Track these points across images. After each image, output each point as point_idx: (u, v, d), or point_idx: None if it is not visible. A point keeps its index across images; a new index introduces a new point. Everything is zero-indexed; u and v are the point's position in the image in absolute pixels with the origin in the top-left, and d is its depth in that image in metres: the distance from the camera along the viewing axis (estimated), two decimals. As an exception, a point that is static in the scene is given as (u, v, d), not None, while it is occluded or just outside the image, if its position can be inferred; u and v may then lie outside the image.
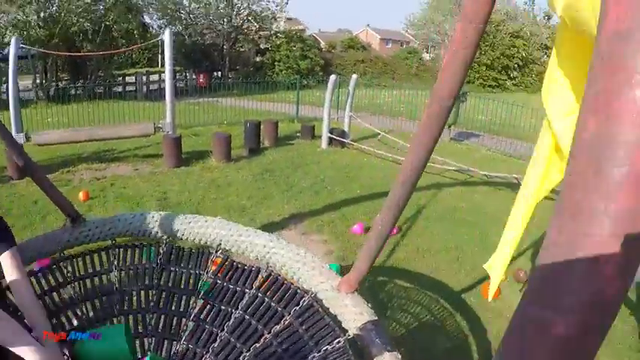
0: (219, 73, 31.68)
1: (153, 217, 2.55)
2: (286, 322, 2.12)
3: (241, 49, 32.28)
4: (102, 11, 26.50)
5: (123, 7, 26.71)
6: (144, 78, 27.02)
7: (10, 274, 2.01)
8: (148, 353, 2.08)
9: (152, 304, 2.41)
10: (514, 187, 8.05)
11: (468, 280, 5.51)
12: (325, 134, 11.60)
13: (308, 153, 11.02)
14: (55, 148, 9.83)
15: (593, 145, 0.48)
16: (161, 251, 2.50)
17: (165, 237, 2.52)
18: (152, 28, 33.16)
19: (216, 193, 8.02)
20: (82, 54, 22.13)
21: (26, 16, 24.53)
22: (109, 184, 8.58)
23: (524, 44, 36.95)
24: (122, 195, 7.93)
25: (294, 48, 31.92)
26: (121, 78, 28.83)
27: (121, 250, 2.53)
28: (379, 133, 12.08)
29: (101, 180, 8.91)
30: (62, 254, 2.45)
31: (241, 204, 7.52)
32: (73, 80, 26.91)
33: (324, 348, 1.96)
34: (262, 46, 33.06)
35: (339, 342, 1.94)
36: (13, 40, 10.38)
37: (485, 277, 5.25)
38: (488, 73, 36.15)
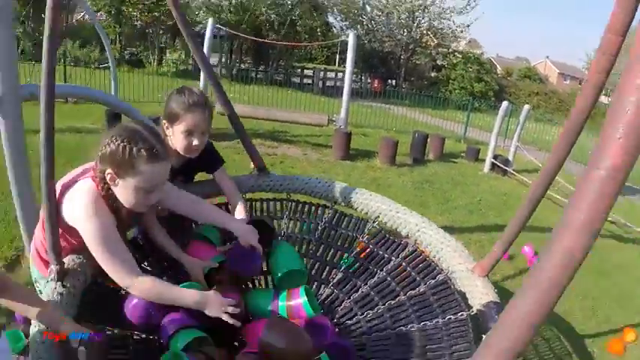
0: (394, 81, 32.17)
1: (326, 183, 2.90)
2: (421, 290, 2.39)
3: (417, 62, 32.50)
4: (289, 6, 27.78)
5: (309, 5, 27.86)
6: (321, 74, 28.12)
7: (225, 184, 2.74)
8: (303, 286, 2.43)
9: (311, 251, 2.81)
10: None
11: (596, 330, 5.33)
12: (489, 159, 11.56)
13: (469, 174, 11.02)
14: None
15: None
16: (327, 212, 2.88)
17: (332, 201, 2.87)
18: (334, 28, 34.22)
19: (376, 191, 8.17)
20: (268, 41, 23.27)
21: (219, 1, 26.32)
22: (279, 161, 9.23)
23: None
24: (289, 173, 8.30)
25: (471, 69, 31.63)
26: (299, 70, 30.24)
27: (294, 203, 2.94)
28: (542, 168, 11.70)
29: (272, 156, 9.60)
30: (244, 196, 2.87)
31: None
32: (255, 64, 28.51)
33: (448, 317, 2.22)
34: (439, 62, 33.06)
35: (462, 314, 2.18)
36: (210, 21, 11.70)
37: (614, 333, 5.16)
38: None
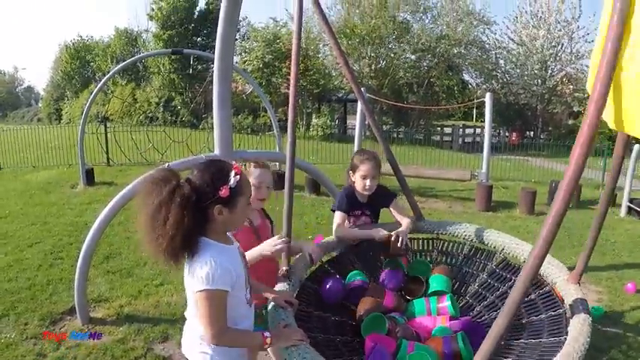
0: (532, 132, 32.22)
1: (465, 225, 4.19)
2: (531, 297, 3.39)
3: (554, 111, 32.42)
4: (425, 68, 29.09)
5: (444, 65, 29.04)
6: (460, 130, 29.07)
7: (398, 209, 4.14)
8: (448, 294, 3.55)
9: (454, 271, 4.03)
10: None
11: None
12: (625, 203, 11.62)
13: (605, 219, 10.99)
14: (384, 178, 11.71)
15: None
16: (465, 247, 4.16)
17: (469, 239, 4.13)
18: (470, 84, 34.97)
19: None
20: (407, 105, 24.62)
21: (360, 68, 28.07)
22: (427, 214, 9.95)
23: None
24: (438, 222, 9.52)
25: (610, 113, 30.70)
26: (439, 128, 31.26)
27: (440, 241, 4.27)
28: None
29: (421, 209, 10.60)
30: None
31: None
32: (395, 125, 29.88)
33: (549, 313, 3.17)
34: (575, 109, 32.84)
35: (559, 309, 3.12)
36: (363, 90, 13.02)
37: None
38: None
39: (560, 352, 2.48)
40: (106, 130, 16.78)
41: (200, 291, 2.27)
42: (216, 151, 5.30)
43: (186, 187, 2.24)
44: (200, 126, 28.49)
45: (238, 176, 2.34)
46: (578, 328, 2.67)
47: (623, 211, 11.69)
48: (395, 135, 26.88)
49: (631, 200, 11.70)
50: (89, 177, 12.79)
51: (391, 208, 4.15)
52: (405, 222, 3.98)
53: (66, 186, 12.86)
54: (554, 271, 3.40)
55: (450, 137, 29.09)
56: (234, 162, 2.41)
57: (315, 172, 6.58)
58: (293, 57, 3.42)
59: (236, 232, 2.96)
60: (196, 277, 2.29)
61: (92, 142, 15.50)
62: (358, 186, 3.97)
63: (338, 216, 3.97)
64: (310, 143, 19.73)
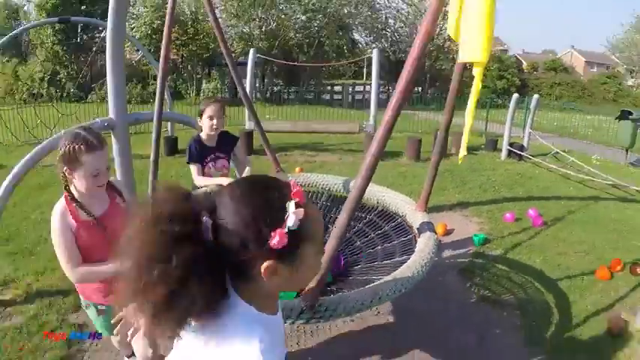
0: (420, 88, 33.03)
1: (323, 177, 4.70)
2: (385, 230, 3.83)
3: (442, 67, 33.50)
4: (316, 28, 29.27)
5: (334, 25, 29.22)
6: (350, 89, 29.54)
7: (240, 153, 4.57)
8: None
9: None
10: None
11: (588, 266, 5.95)
12: (505, 147, 12.57)
13: (487, 162, 12.06)
14: (276, 136, 11.88)
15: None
16: (324, 196, 4.61)
17: (326, 189, 4.58)
18: (360, 44, 35.47)
19: (403, 182, 9.56)
20: (298, 64, 24.77)
21: (251, 30, 27.98)
22: (319, 166, 10.74)
23: None
24: (328, 173, 9.84)
25: (492, 68, 32.65)
26: (329, 87, 31.71)
27: (310, 193, 4.65)
28: (554, 150, 12.82)
29: (312, 163, 11.17)
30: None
31: (420, 190, 8.76)
32: (286, 86, 30.10)
33: (401, 239, 3.60)
34: (461, 65, 33.73)
35: (409, 235, 3.57)
36: (251, 51, 13.50)
37: (604, 264, 5.83)
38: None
39: (409, 260, 2.86)
40: (-13, 111, 16.04)
41: None
42: (111, 115, 4.99)
43: (207, 234, 1.16)
44: (88, 98, 27.64)
45: (301, 210, 1.18)
46: (424, 243, 3.08)
47: (503, 154, 12.70)
48: (286, 95, 27.11)
49: (511, 144, 12.66)
50: (-29, 161, 12.29)
51: (235, 151, 4.52)
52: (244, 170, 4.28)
53: (-50, 174, 12.28)
54: (403, 205, 3.84)
55: (340, 95, 29.64)
56: (290, 178, 1.58)
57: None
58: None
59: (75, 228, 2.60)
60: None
61: (-29, 125, 14.79)
62: (206, 127, 4.27)
63: (193, 168, 4.29)
64: (201, 108, 19.57)
